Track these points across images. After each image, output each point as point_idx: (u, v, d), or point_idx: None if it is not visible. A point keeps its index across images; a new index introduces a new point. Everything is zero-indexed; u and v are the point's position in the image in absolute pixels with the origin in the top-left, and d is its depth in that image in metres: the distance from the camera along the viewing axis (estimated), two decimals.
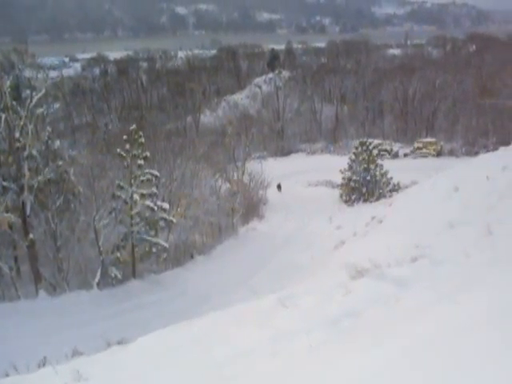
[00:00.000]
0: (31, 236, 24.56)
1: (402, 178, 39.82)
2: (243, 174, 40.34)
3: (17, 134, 24.27)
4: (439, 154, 56.30)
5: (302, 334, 8.15)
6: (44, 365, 11.66)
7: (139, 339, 10.41)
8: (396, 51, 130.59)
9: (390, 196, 36.96)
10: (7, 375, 10.24)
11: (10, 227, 25.58)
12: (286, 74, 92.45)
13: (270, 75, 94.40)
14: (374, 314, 8.73)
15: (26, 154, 24.49)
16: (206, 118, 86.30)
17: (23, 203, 24.52)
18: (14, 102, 24.52)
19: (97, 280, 25.01)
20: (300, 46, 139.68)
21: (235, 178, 38.82)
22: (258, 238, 32.90)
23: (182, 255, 29.72)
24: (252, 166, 42.40)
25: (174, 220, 27.80)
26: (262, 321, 9.66)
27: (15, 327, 20.25)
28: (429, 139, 59.60)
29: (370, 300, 9.47)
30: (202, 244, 31.99)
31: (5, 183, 24.56)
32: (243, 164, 41.05)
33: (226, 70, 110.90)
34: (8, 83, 24.43)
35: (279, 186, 42.41)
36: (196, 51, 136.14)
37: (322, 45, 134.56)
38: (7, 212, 24.52)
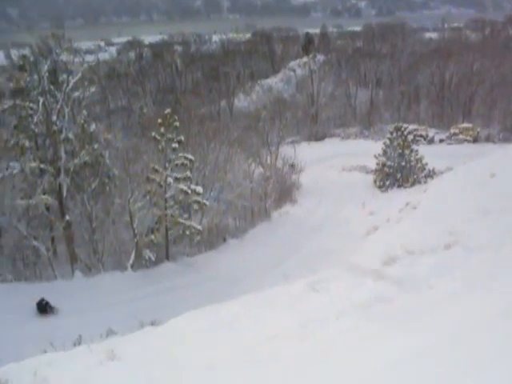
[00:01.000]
0: (67, 218, 25.04)
1: (437, 164, 39.23)
2: (276, 158, 40.25)
3: (54, 118, 24.69)
4: (476, 140, 55.17)
5: (331, 319, 8.19)
6: (79, 343, 11.94)
7: (171, 320, 10.58)
8: (433, 35, 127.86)
9: (425, 182, 36.47)
10: (45, 352, 10.51)
11: (47, 209, 26.13)
12: (320, 57, 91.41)
13: (305, 59, 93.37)
14: (405, 300, 8.71)
15: (62, 137, 24.90)
16: (240, 102, 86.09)
17: (60, 185, 24.99)
18: (52, 86, 24.92)
19: (131, 262, 25.41)
20: (335, 29, 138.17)
21: (268, 162, 38.76)
22: (291, 222, 32.89)
23: (214, 238, 29.91)
24: (285, 150, 42.25)
25: (207, 203, 27.98)
26: (292, 305, 9.72)
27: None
28: (465, 125, 58.42)
29: (402, 286, 9.45)
30: (235, 228, 32.13)
31: (42, 166, 25.04)
32: (277, 148, 40.95)
33: (260, 53, 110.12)
34: (46, 68, 24.81)
35: (292, 165, 41.74)
36: (230, 35, 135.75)
37: (357, 28, 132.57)
38: (44, 194, 25.02)
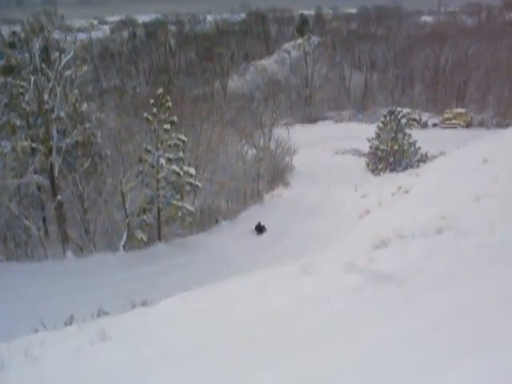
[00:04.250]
0: (59, 197, 24.94)
1: (430, 149, 39.31)
2: (270, 140, 40.14)
3: (45, 96, 24.46)
4: (469, 124, 55.32)
5: (323, 301, 8.22)
6: (71, 323, 11.94)
7: (163, 301, 10.60)
8: (428, 18, 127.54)
9: (418, 166, 36.54)
10: (36, 331, 10.53)
11: (39, 188, 26.02)
12: (315, 39, 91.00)
13: (299, 40, 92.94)
14: (396, 284, 8.74)
15: (54, 116, 24.70)
16: (234, 82, 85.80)
17: (51, 165, 24.85)
18: (43, 64, 24.65)
19: (123, 242, 25.39)
20: (330, 11, 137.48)
21: (262, 144, 38.65)
22: (283, 204, 32.92)
23: (207, 220, 29.93)
24: (279, 132, 42.12)
25: (200, 185, 27.91)
26: (284, 287, 9.76)
27: (43, 286, 20.70)
28: (459, 110, 58.56)
29: (394, 270, 9.48)
30: (227, 209, 32.14)
31: (34, 145, 24.87)
32: (270, 130, 40.80)
33: (254, 34, 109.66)
34: (37, 45, 24.53)
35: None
36: (225, 15, 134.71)
37: (352, 10, 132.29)
38: (36, 173, 24.90)
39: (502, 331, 4.87)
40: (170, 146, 26.28)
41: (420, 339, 5.55)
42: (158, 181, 26.27)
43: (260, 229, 28.45)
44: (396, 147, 39.89)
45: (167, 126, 25.95)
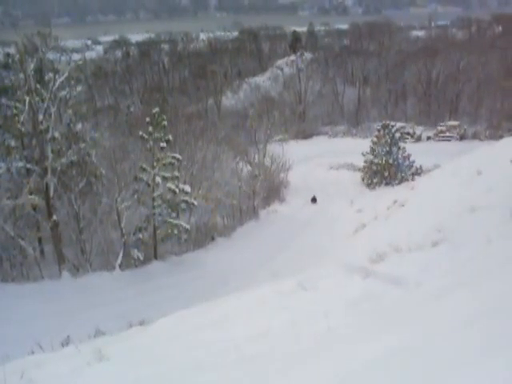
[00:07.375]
0: (55, 217, 24.87)
1: (424, 162, 39.42)
2: (264, 156, 40.21)
3: (40, 117, 24.50)
4: (462, 137, 55.59)
5: (320, 317, 8.20)
6: (67, 344, 11.86)
7: (160, 320, 10.55)
8: (420, 33, 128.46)
9: (413, 179, 36.62)
10: (33, 353, 10.45)
11: (34, 209, 25.95)
12: (308, 55, 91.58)
13: (292, 57, 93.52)
14: (393, 297, 8.74)
15: (49, 136, 24.72)
16: (228, 100, 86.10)
17: (47, 185, 24.82)
18: (38, 85, 24.72)
19: (119, 261, 25.30)
20: (322, 27, 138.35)
21: (256, 160, 38.72)
22: (279, 220, 32.91)
23: (203, 237, 29.88)
24: (273, 148, 42.21)
25: (196, 202, 27.92)
26: (281, 303, 9.73)
27: (39, 307, 20.60)
28: (452, 122, 58.84)
29: (390, 283, 9.48)
30: (223, 226, 32.11)
31: (29, 165, 24.88)
32: (264, 146, 40.88)
33: (247, 51, 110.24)
34: (32, 66, 24.61)
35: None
36: (217, 33, 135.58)
37: (344, 26, 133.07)
38: (31, 194, 24.85)
39: (497, 344, 4.88)
40: (165, 164, 26.33)
41: (417, 352, 5.54)
42: (153, 199, 26.28)
43: (314, 200, 36.51)
44: (390, 161, 39.99)
45: (163, 145, 26.01)
